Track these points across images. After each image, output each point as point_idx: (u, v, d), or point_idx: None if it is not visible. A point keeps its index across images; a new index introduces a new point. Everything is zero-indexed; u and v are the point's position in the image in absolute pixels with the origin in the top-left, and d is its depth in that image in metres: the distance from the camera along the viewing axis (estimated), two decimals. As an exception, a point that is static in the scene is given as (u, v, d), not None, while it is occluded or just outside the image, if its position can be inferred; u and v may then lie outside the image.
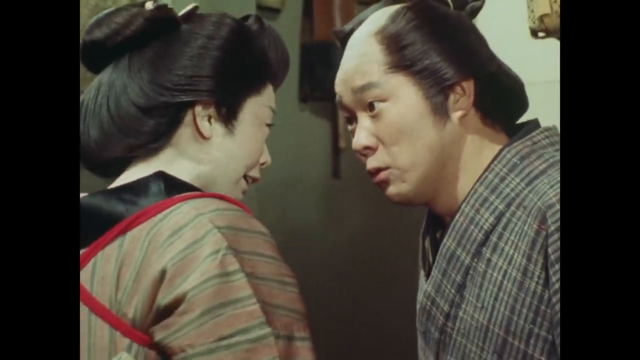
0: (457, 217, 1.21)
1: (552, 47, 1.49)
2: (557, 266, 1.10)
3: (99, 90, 1.21)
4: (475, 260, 1.19)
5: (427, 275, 1.28)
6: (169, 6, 1.23)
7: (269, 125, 1.25)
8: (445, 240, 1.22)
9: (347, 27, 1.31)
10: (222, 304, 1.03)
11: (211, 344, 1.02)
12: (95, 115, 1.20)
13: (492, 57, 1.24)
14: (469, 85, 1.21)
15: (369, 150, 1.23)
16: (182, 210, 1.09)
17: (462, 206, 1.21)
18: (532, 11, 1.11)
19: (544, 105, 1.42)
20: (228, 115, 1.21)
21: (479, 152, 1.23)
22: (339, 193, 3.29)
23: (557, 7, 1.08)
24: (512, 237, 1.16)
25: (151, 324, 1.06)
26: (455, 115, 1.22)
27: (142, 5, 1.22)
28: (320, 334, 3.77)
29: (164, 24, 1.20)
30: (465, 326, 1.19)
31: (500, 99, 1.25)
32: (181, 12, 1.23)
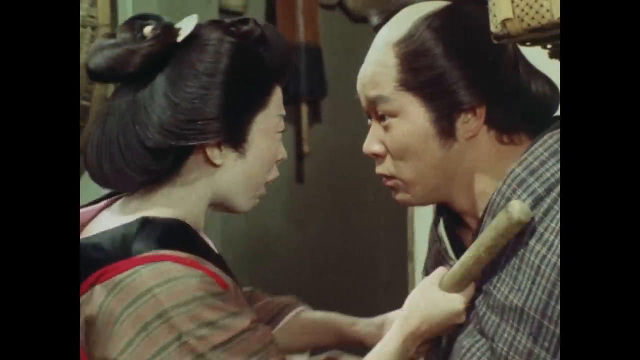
0: (494, 196, 1.20)
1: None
2: None
3: (107, 120, 1.21)
4: (512, 240, 1.18)
5: (437, 263, 1.28)
6: (168, 25, 1.20)
7: (281, 132, 1.26)
8: (485, 217, 1.21)
9: (377, 19, 1.28)
10: None
11: None
12: (106, 149, 1.20)
13: (512, 74, 1.22)
14: (480, 110, 1.21)
15: (377, 156, 1.25)
16: (137, 280, 1.14)
17: (500, 186, 1.20)
18: (495, 15, 1.10)
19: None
20: (237, 140, 1.22)
21: (496, 160, 1.22)
22: (302, 198, 3.28)
23: (519, 11, 1.08)
24: (552, 224, 1.16)
25: None
26: (463, 137, 1.21)
27: (140, 29, 1.20)
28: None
29: (164, 56, 1.19)
30: (498, 305, 1.19)
31: (520, 115, 1.23)
32: (180, 36, 1.20)
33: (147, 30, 1.19)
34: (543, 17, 1.05)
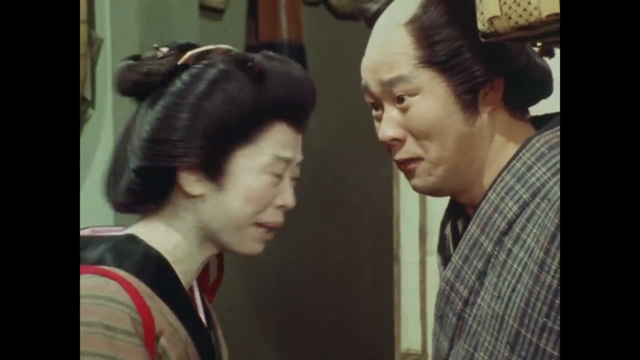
0: (482, 204, 1.22)
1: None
2: None
3: (122, 141, 1.24)
4: (497, 248, 1.19)
5: (446, 262, 1.28)
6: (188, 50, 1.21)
7: (278, 175, 1.22)
8: (470, 226, 1.23)
9: (374, 6, 1.28)
10: None
11: None
12: (120, 170, 1.23)
13: (523, 49, 1.23)
14: (498, 82, 1.22)
15: (396, 141, 1.24)
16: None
17: (489, 194, 1.21)
18: (482, 13, 1.08)
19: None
20: (214, 172, 1.19)
21: (504, 145, 1.24)
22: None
23: (506, 9, 1.06)
24: (534, 230, 1.16)
25: None
26: (485, 110, 1.22)
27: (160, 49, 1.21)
28: (261, 342, 3.69)
29: (171, 75, 1.20)
30: (481, 314, 1.19)
31: (529, 91, 1.26)
32: (185, 57, 1.20)
33: (163, 50, 1.20)
34: (531, 14, 1.04)
